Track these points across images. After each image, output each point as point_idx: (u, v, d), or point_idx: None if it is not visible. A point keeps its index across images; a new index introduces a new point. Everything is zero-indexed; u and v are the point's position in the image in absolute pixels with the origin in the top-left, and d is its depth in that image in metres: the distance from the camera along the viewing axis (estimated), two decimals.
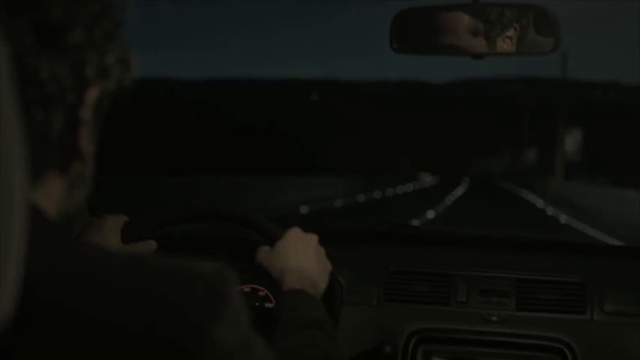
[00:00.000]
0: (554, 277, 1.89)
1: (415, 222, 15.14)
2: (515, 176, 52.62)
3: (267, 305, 1.76)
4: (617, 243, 11.06)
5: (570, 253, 2.11)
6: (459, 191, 42.10)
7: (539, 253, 2.10)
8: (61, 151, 0.73)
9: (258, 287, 1.77)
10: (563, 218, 21.91)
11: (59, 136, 0.72)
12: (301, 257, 1.47)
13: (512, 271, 1.92)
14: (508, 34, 1.72)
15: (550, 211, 25.80)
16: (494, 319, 1.84)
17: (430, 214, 21.65)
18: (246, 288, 1.76)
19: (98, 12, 0.75)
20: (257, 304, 1.76)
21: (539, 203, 31.03)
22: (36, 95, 0.68)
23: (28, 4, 0.69)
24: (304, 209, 21.63)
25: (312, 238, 1.52)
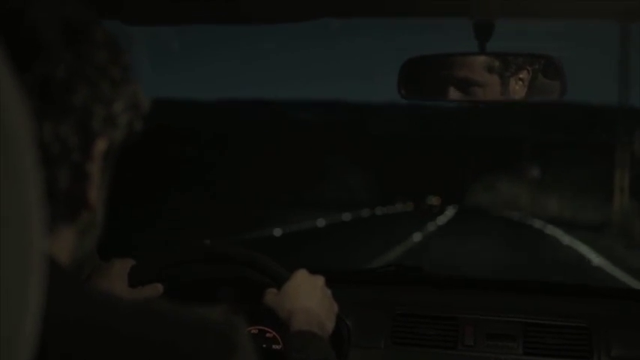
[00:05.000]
0: (560, 322, 1.89)
1: None
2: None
3: (275, 347, 1.76)
4: (624, 286, 10.36)
5: (576, 297, 2.10)
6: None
7: (545, 296, 2.09)
8: (68, 204, 0.72)
9: (266, 329, 1.76)
10: None
11: (66, 191, 0.70)
12: (308, 298, 1.47)
13: (519, 315, 1.91)
14: (521, 75, 1.74)
15: None
16: None
17: None
18: (254, 329, 1.76)
19: (106, 61, 0.72)
20: (265, 345, 1.75)
21: None
22: (39, 155, 0.65)
23: (32, 61, 0.67)
24: None
25: (319, 280, 1.52)
